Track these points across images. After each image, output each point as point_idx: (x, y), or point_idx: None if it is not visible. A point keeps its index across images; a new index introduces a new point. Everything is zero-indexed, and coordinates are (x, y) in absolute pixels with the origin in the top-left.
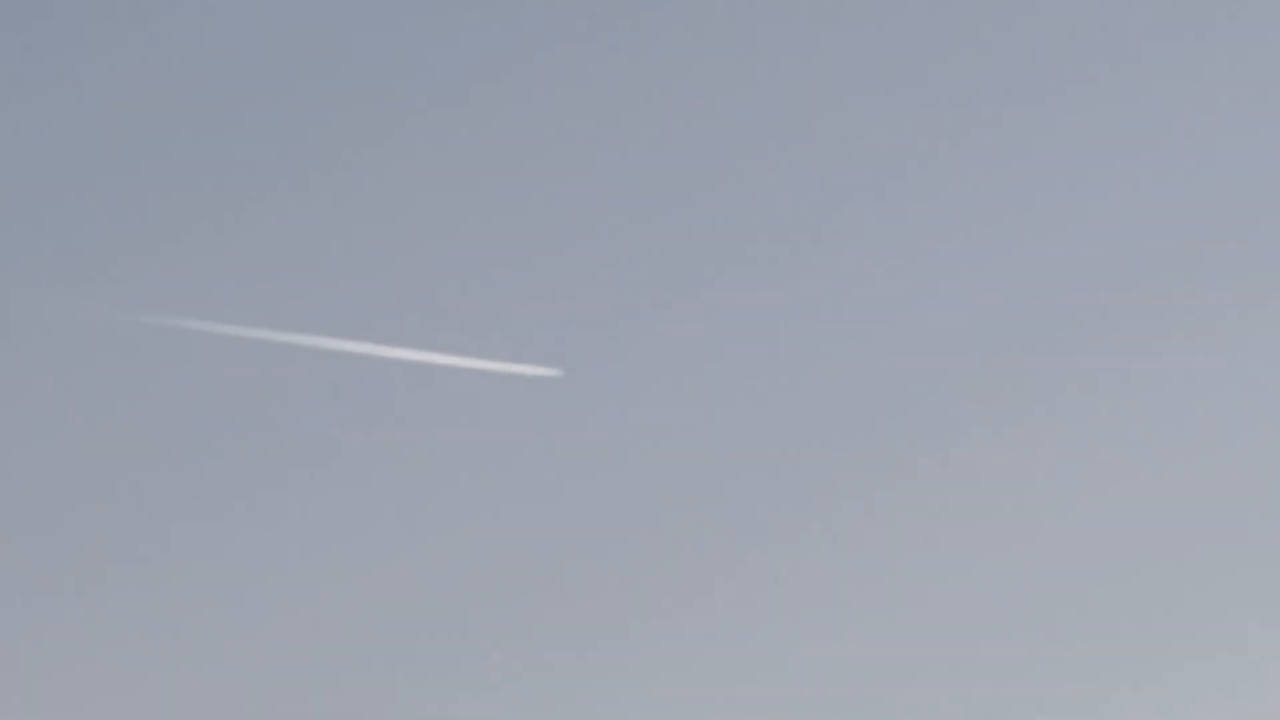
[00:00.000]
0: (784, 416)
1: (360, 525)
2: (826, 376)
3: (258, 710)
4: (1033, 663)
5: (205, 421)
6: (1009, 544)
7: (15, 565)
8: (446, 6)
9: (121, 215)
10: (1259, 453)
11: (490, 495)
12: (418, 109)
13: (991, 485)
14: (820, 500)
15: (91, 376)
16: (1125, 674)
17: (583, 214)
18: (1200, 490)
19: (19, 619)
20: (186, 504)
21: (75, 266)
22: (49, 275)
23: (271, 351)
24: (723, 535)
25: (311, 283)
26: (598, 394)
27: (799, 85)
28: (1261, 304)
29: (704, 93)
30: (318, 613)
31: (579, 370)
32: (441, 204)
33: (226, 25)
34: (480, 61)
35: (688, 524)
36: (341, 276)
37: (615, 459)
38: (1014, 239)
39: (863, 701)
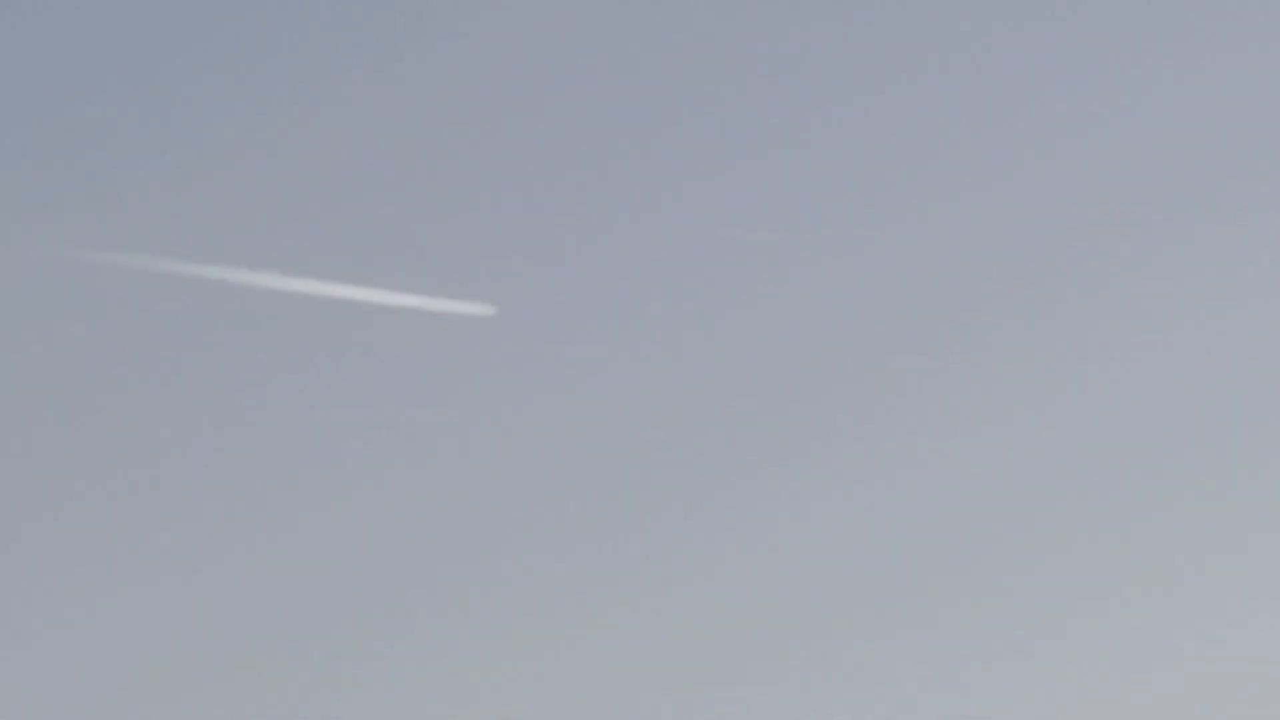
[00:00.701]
0: (719, 356)
1: (292, 463)
2: (762, 313)
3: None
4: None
5: (129, 358)
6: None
7: None
8: None
9: (52, 150)
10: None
11: (424, 432)
12: (347, 49)
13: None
14: (757, 441)
15: (19, 313)
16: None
17: (516, 149)
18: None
19: None
20: (112, 445)
21: (28, 202)
22: None
23: (199, 287)
24: (657, 477)
25: (238, 219)
26: (532, 331)
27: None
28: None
29: (639, 30)
30: (247, 551)
31: (513, 307)
32: (372, 140)
33: None
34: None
35: (622, 463)
36: (270, 212)
37: (549, 397)
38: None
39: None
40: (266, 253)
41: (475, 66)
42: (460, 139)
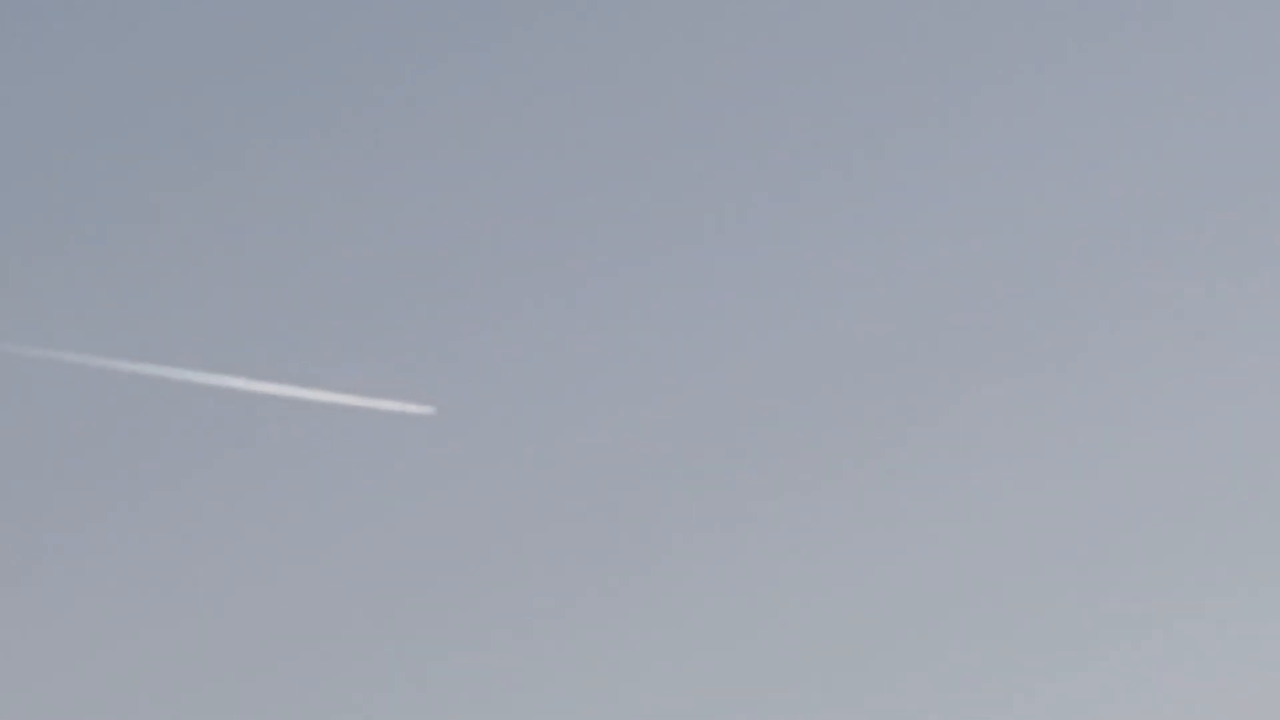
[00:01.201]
0: (667, 454)
1: (231, 561)
2: (708, 403)
3: None
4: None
5: (67, 455)
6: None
7: None
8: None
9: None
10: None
11: (361, 532)
12: (290, 126)
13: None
14: (702, 537)
15: None
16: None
17: (457, 248)
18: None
19: None
20: (42, 540)
21: None
22: None
23: (140, 385)
24: (598, 574)
25: (182, 315)
26: (471, 431)
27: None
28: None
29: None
30: (175, 657)
31: (452, 408)
32: (315, 235)
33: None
34: (351, 70)
35: (563, 560)
36: (212, 308)
37: (488, 497)
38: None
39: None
40: (204, 350)
41: (426, 149)
42: (400, 235)
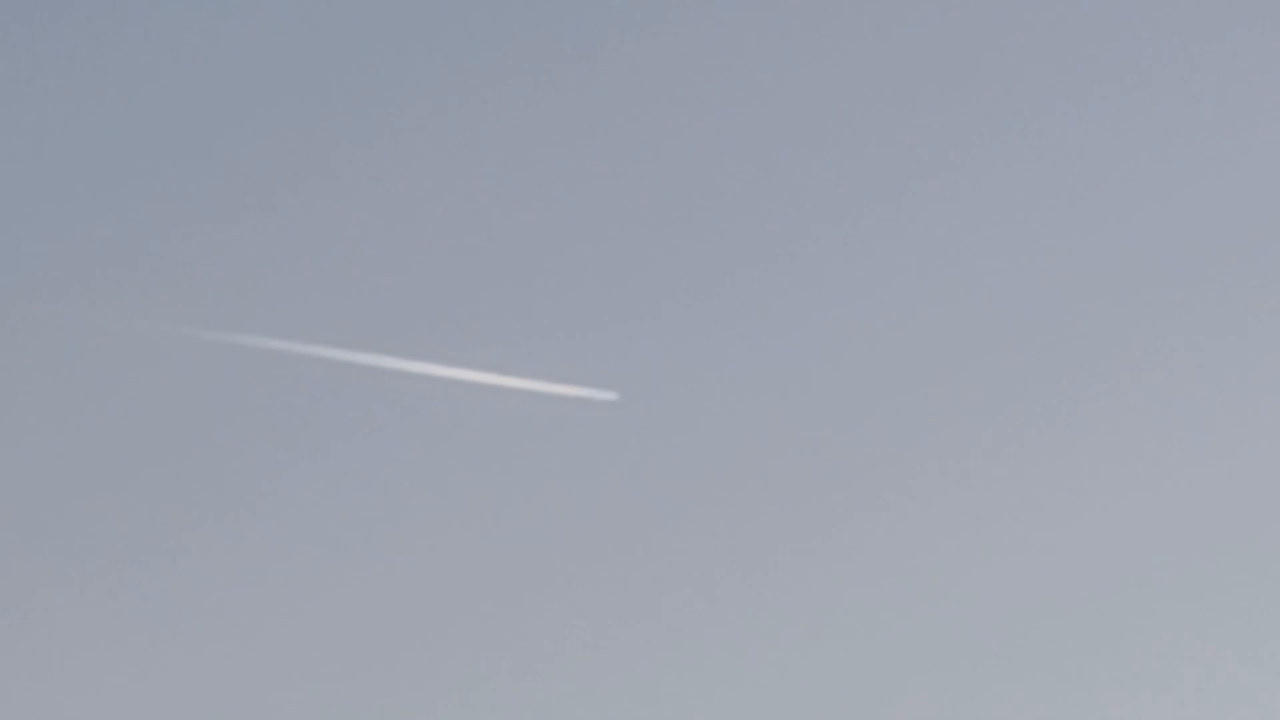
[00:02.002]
0: (842, 434)
1: (410, 547)
2: (876, 391)
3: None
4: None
5: (254, 439)
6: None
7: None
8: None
9: (132, 221)
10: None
11: (545, 519)
12: (469, 104)
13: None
14: (870, 519)
15: (110, 386)
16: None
17: (645, 229)
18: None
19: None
20: (212, 526)
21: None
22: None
23: (319, 368)
24: (777, 562)
25: (366, 298)
26: (655, 417)
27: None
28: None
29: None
30: (343, 645)
31: (636, 393)
32: (501, 217)
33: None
34: (518, 64)
35: (741, 549)
36: (395, 291)
37: (671, 484)
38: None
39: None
40: (386, 334)
41: (606, 134)
42: (586, 219)
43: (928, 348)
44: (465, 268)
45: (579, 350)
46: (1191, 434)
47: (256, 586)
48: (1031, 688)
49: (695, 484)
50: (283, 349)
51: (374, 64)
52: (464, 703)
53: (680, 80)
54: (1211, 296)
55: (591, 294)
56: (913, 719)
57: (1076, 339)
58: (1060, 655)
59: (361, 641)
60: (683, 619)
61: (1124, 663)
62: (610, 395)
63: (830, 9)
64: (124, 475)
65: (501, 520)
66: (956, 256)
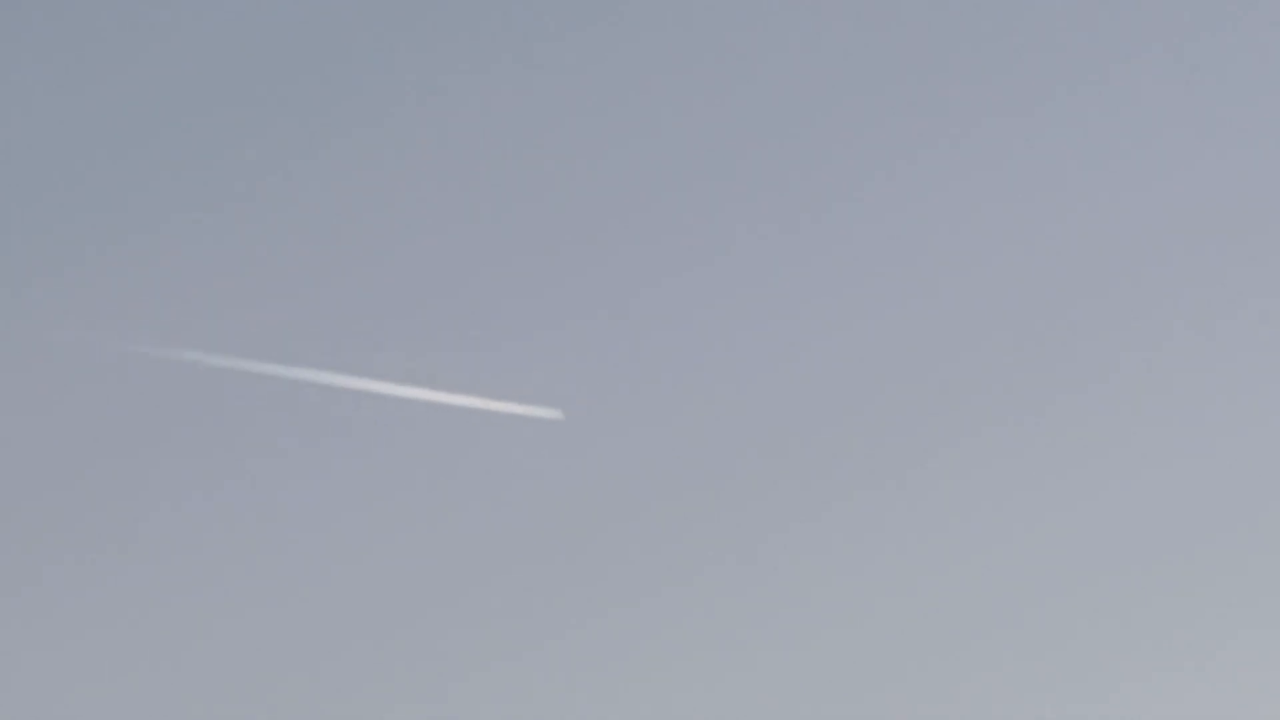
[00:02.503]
0: (790, 446)
1: (353, 563)
2: (830, 398)
3: None
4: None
5: (194, 454)
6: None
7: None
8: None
9: (63, 231)
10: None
11: (487, 536)
12: (416, 113)
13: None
14: (821, 531)
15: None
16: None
17: (589, 246)
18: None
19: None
20: (162, 542)
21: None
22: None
23: (260, 384)
24: (725, 583)
25: (305, 314)
26: (600, 435)
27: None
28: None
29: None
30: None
31: (580, 411)
32: (441, 233)
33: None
34: (470, 70)
35: (690, 567)
36: (336, 307)
37: (617, 503)
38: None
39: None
40: (329, 351)
41: (550, 147)
42: (531, 233)
43: (884, 355)
44: (411, 282)
45: (524, 367)
46: (1180, 427)
47: (191, 600)
48: (1008, 679)
49: (641, 499)
50: (221, 365)
51: (310, 65)
52: (403, 711)
53: (622, 91)
54: (1203, 281)
55: (536, 309)
56: None
57: (1046, 322)
58: (1039, 646)
59: (301, 655)
60: (630, 632)
61: (1114, 654)
62: (555, 413)
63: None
64: (46, 488)
65: (447, 535)
66: (910, 257)
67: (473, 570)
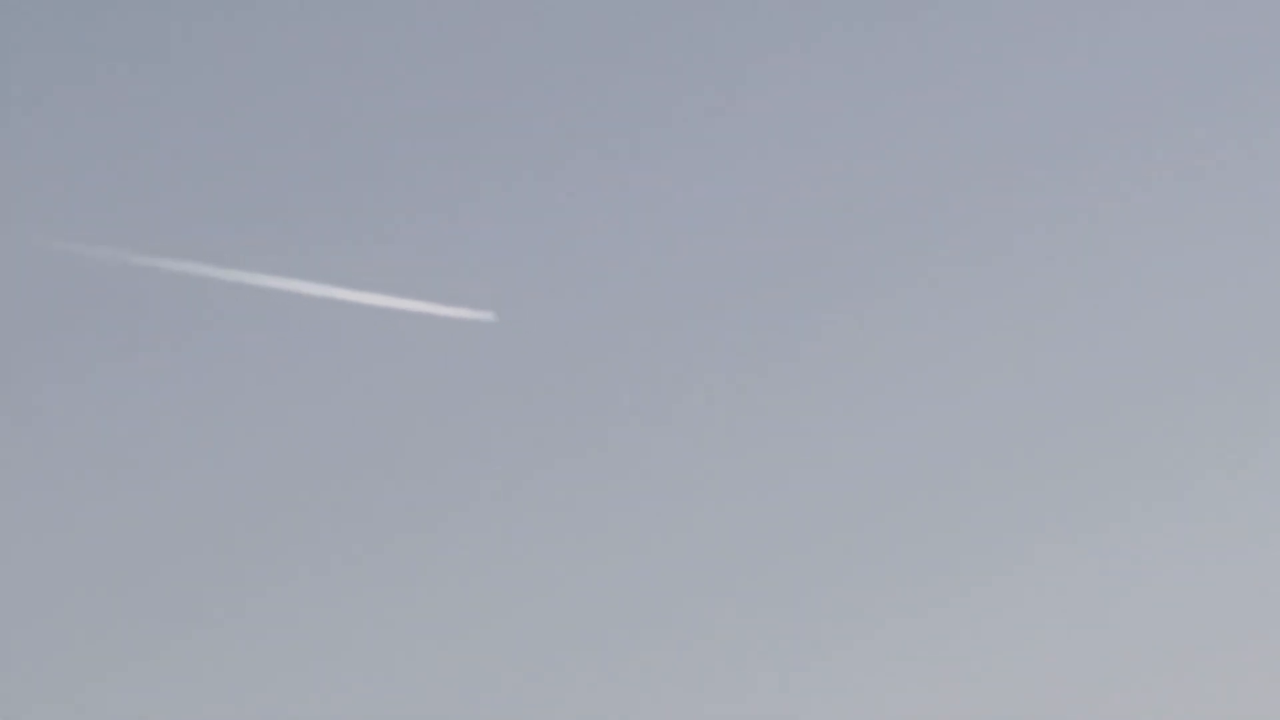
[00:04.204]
0: (721, 347)
1: (284, 471)
2: (750, 299)
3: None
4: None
5: (131, 357)
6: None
7: None
8: None
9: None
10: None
11: (421, 440)
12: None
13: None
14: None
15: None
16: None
17: (522, 153)
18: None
19: None
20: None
21: None
22: None
23: (198, 286)
24: (654, 489)
25: (236, 212)
26: (531, 338)
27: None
28: None
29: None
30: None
31: (512, 313)
32: (371, 135)
33: None
34: None
35: (618, 474)
36: (266, 206)
37: (548, 407)
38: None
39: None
40: (263, 253)
41: (472, 66)
42: (468, 145)
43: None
44: (338, 186)
45: (456, 269)
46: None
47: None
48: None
49: (571, 405)
50: (162, 265)
51: None
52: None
53: None
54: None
55: (469, 212)
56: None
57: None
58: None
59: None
60: (559, 547)
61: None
62: (487, 315)
63: None
64: None
65: (381, 436)
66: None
67: (407, 475)
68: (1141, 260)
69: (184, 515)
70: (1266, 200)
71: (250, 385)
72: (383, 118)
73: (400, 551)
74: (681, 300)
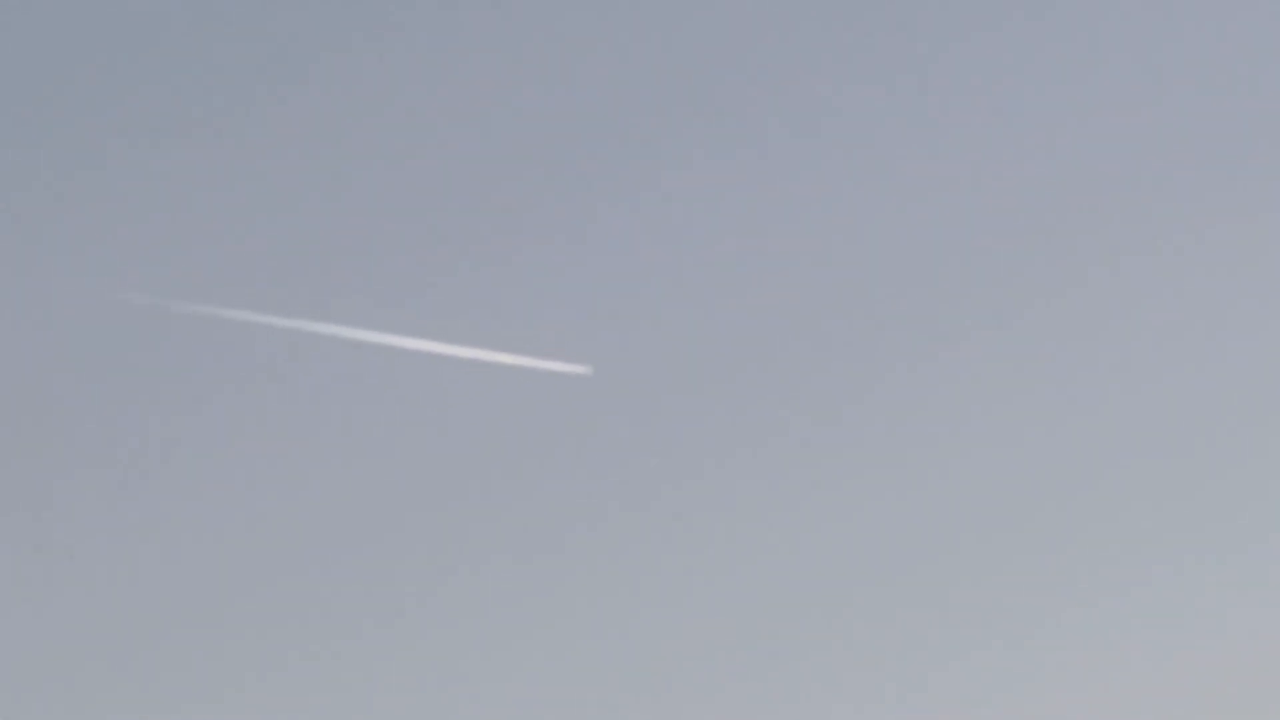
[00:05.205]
0: (808, 410)
1: (382, 523)
2: (843, 370)
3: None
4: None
5: (222, 411)
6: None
7: None
8: None
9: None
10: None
11: (515, 493)
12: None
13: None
14: (837, 496)
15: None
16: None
17: (614, 207)
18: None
19: None
20: (192, 499)
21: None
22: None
23: (294, 340)
24: (743, 537)
25: (343, 271)
26: (627, 391)
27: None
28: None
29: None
30: (321, 611)
31: (608, 367)
32: (473, 201)
33: None
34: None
35: (710, 525)
36: (373, 265)
37: (644, 459)
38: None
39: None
40: (363, 308)
41: (578, 115)
42: (559, 200)
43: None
44: (439, 242)
45: (553, 324)
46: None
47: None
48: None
49: (668, 457)
50: (279, 324)
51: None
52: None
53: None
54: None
55: (565, 269)
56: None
57: None
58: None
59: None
60: (653, 586)
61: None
62: (583, 369)
63: None
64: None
65: (480, 488)
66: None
67: (505, 525)
68: None
69: (294, 567)
70: None
71: (349, 438)
72: (481, 170)
73: (491, 610)
74: (775, 352)
